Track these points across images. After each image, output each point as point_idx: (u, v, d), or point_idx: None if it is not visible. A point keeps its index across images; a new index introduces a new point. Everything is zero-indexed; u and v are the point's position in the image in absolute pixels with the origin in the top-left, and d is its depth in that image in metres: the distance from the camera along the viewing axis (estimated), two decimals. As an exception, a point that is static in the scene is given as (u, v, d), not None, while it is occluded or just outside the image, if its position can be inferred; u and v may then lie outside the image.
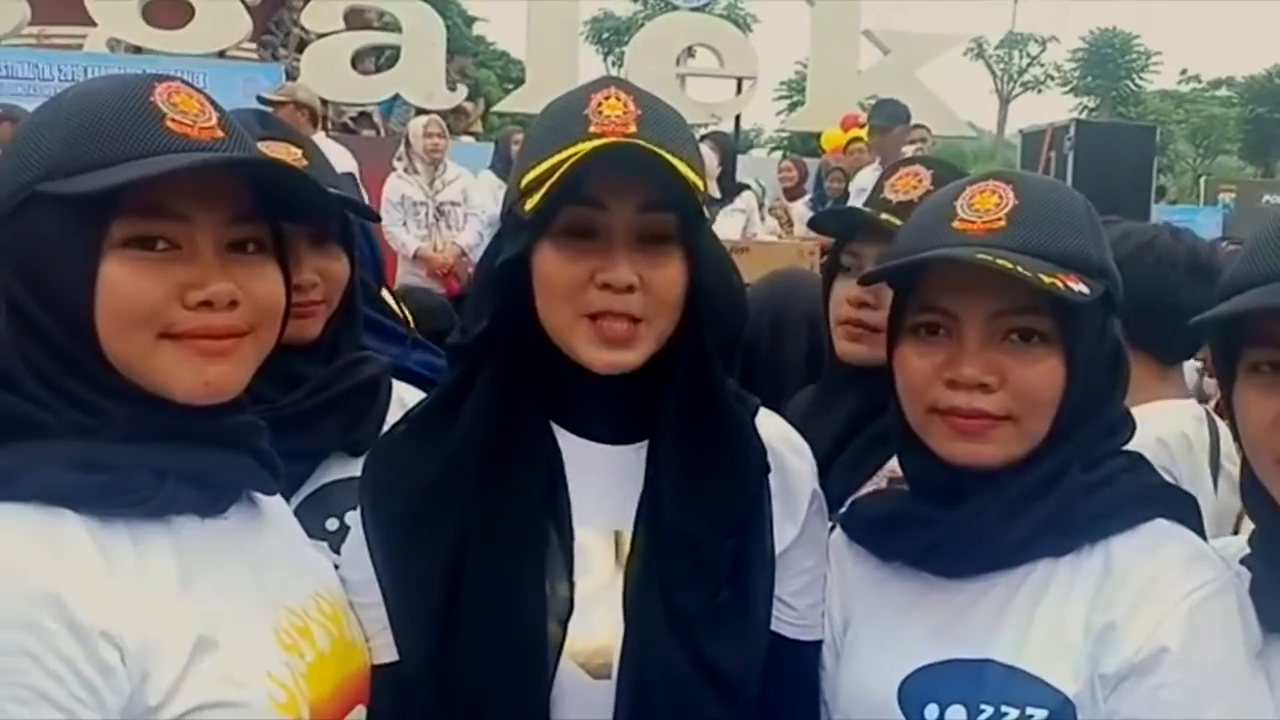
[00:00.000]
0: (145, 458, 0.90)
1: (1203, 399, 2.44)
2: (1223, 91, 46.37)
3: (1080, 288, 1.01)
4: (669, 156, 1.00)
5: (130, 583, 0.85)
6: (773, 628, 1.14)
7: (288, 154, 1.39)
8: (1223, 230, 11.31)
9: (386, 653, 1.08)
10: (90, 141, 0.89)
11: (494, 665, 1.02)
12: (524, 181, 1.04)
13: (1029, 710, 0.98)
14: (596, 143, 1.00)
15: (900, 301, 1.11)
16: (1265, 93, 41.67)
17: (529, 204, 1.01)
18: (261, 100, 5.35)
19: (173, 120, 0.91)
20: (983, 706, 0.99)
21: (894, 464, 1.45)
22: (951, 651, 1.05)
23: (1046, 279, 0.99)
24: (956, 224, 1.06)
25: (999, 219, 1.04)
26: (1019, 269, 0.98)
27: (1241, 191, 14.79)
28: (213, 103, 0.96)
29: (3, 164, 0.93)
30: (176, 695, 0.84)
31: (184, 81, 0.96)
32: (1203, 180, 19.08)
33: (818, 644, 1.19)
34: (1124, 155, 9.54)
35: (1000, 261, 0.99)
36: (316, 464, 1.38)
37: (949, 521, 1.07)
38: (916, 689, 1.05)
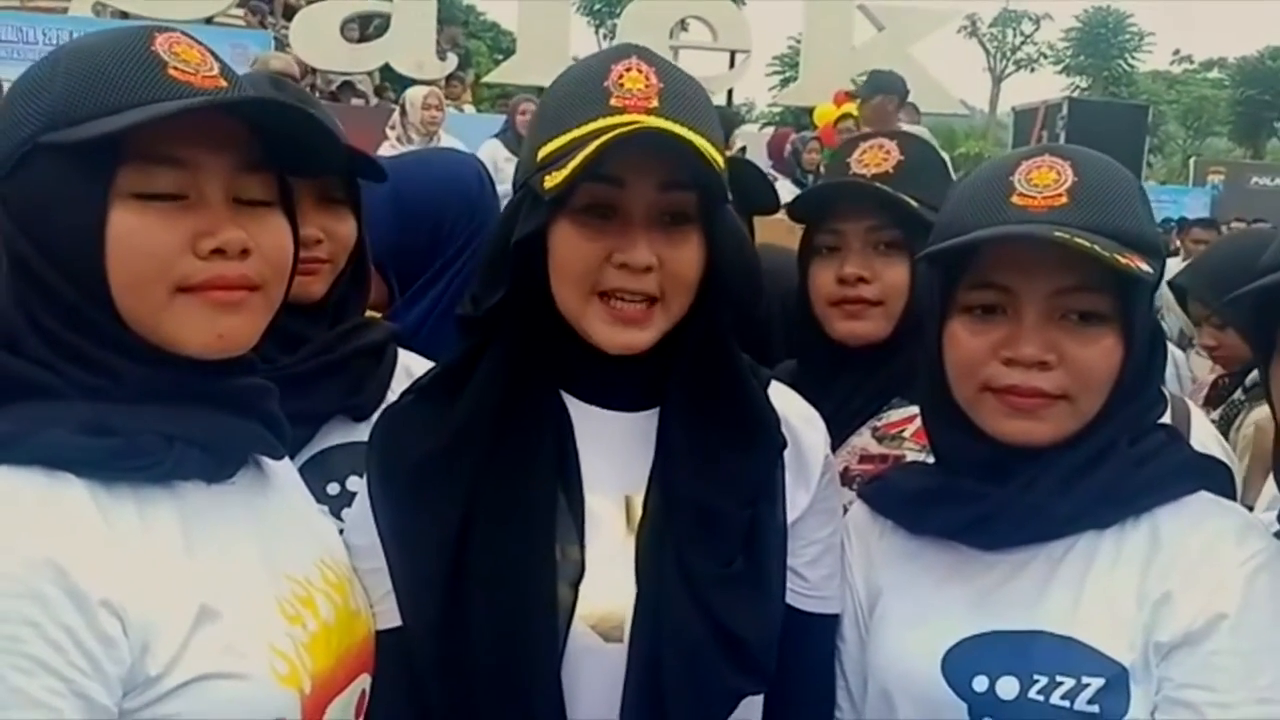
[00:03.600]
0: (153, 421, 0.88)
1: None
2: (1214, 73, 46.46)
3: (1145, 267, 1.00)
4: (692, 135, 0.98)
5: (133, 550, 0.83)
6: (787, 600, 1.12)
7: None
8: (1210, 211, 11.37)
9: (391, 618, 1.07)
10: (92, 90, 0.87)
11: (504, 627, 1.01)
12: (540, 154, 1.02)
13: (1085, 679, 0.97)
14: (617, 120, 0.98)
15: (948, 278, 1.08)
16: (1257, 75, 41.71)
17: (548, 182, 0.98)
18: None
19: (175, 69, 0.89)
20: (1036, 677, 0.99)
21: (863, 439, 1.45)
22: (995, 623, 1.04)
23: (1122, 259, 0.98)
24: (1016, 199, 1.03)
25: (1060, 195, 1.02)
26: (1097, 248, 0.97)
27: (1230, 173, 14.87)
28: (213, 54, 0.94)
29: (2, 118, 0.90)
30: (177, 666, 0.82)
31: (183, 32, 0.94)
32: (1192, 161, 19.13)
33: (833, 617, 1.18)
34: (1116, 134, 9.59)
35: (1078, 240, 0.97)
36: (317, 428, 1.35)
37: (998, 495, 1.06)
38: (962, 661, 1.04)
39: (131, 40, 0.90)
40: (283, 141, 0.94)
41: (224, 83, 0.92)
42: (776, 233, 2.04)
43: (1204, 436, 1.65)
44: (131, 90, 0.87)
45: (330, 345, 1.37)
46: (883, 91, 6.20)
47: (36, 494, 0.81)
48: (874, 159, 1.49)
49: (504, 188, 1.81)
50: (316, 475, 1.28)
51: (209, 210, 0.89)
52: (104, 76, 0.87)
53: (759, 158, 8.44)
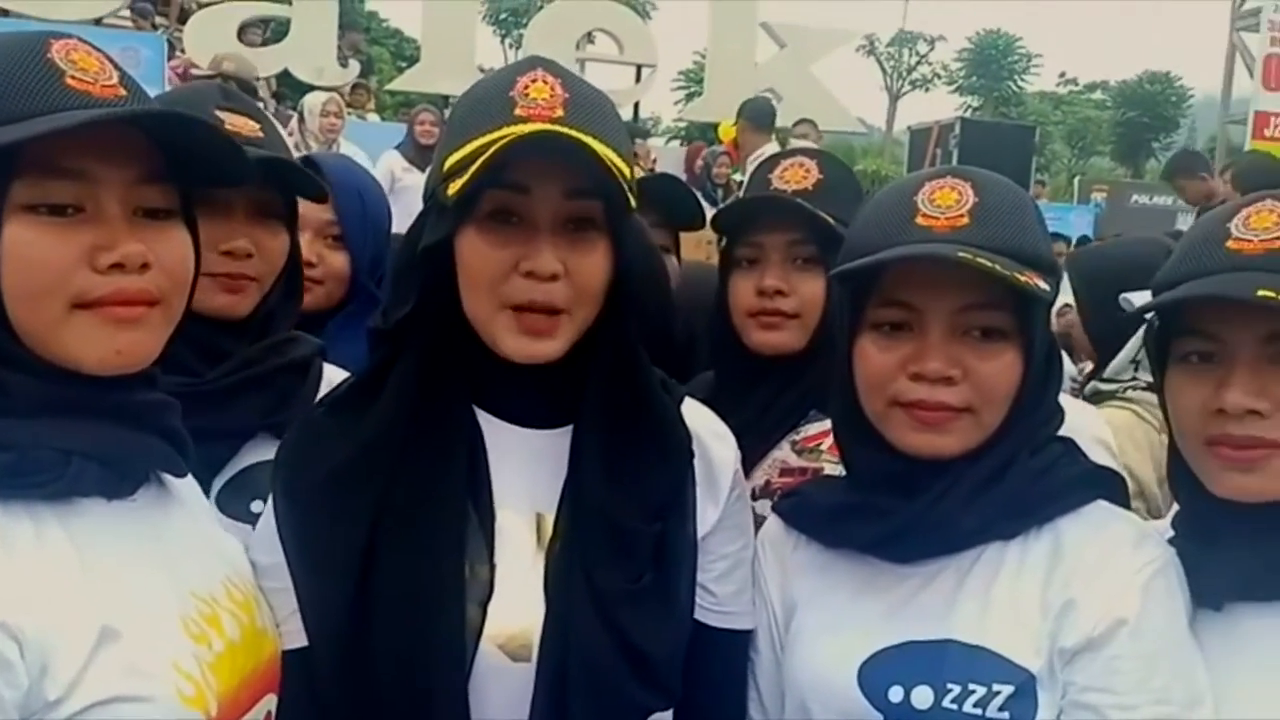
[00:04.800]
0: (49, 436, 0.86)
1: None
2: (1098, 95, 48.64)
3: (1042, 285, 1.04)
4: (594, 142, 0.99)
5: (30, 570, 0.81)
6: (695, 615, 1.13)
7: (245, 126, 1.36)
8: (1094, 228, 11.89)
9: (297, 638, 1.05)
10: None
11: (410, 647, 0.99)
12: (447, 165, 1.02)
13: (995, 687, 1.00)
14: (521, 129, 0.98)
15: (857, 296, 1.11)
16: (1136, 97, 43.83)
17: (452, 188, 0.98)
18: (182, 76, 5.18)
19: (73, 78, 0.87)
20: (949, 686, 1.01)
21: (783, 452, 1.48)
22: (908, 634, 1.07)
23: (1021, 278, 1.01)
24: (920, 220, 1.07)
25: (961, 215, 1.06)
26: (998, 268, 1.00)
27: (1112, 191, 15.53)
28: (112, 61, 0.92)
29: None
30: (78, 689, 0.80)
31: (80, 39, 0.91)
32: (1076, 180, 19.95)
33: (743, 633, 1.19)
34: (1006, 153, 9.95)
35: (980, 260, 1.00)
36: (240, 444, 1.32)
37: (908, 510, 1.08)
38: (877, 672, 1.06)
39: (27, 47, 0.87)
40: (185, 153, 0.92)
41: (123, 91, 0.90)
42: (686, 245, 2.07)
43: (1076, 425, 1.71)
44: (28, 100, 0.85)
45: (254, 360, 1.34)
46: (740, 115, 6.78)
47: None
48: (795, 176, 1.53)
49: (403, 198, 1.82)
50: (240, 493, 1.26)
51: (107, 223, 0.87)
52: None
53: (674, 172, 8.49)
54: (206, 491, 1.26)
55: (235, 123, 1.35)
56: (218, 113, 1.34)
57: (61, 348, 0.87)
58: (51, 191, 0.85)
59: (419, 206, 1.09)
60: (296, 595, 1.05)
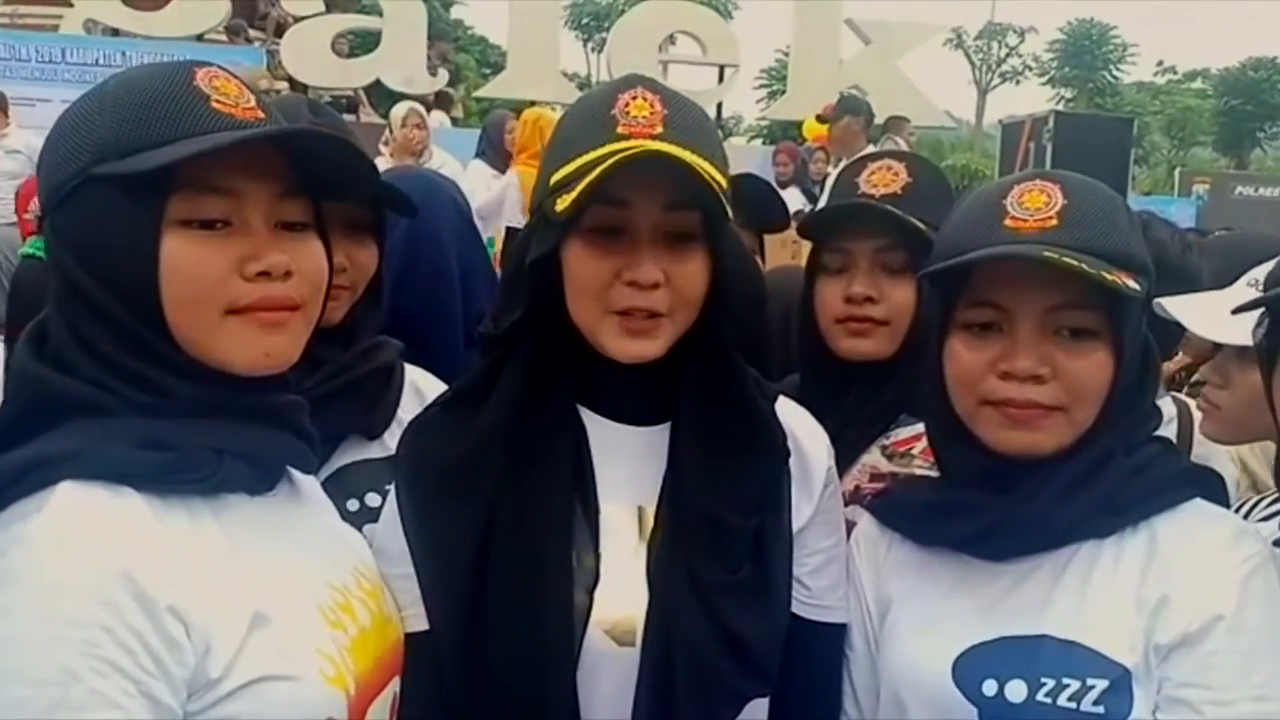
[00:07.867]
0: (203, 436, 0.92)
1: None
2: (1198, 84, 46.79)
3: (1133, 285, 1.05)
4: (694, 158, 1.03)
5: (191, 559, 0.87)
6: (791, 608, 1.16)
7: None
8: (1196, 221, 11.47)
9: (419, 621, 1.11)
10: (141, 123, 0.91)
11: (523, 631, 1.05)
12: (553, 180, 1.07)
13: (1090, 681, 1.01)
14: (623, 146, 1.02)
15: (947, 297, 1.13)
16: (1239, 85, 42.03)
17: (559, 205, 1.03)
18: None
19: (217, 102, 0.94)
20: (1043, 680, 1.03)
21: (873, 457, 1.48)
22: (1002, 629, 1.08)
23: (1110, 277, 1.02)
24: (1008, 222, 1.08)
25: (1050, 217, 1.07)
26: (1084, 267, 1.01)
27: (1215, 183, 14.97)
28: (248, 86, 0.99)
29: (53, 151, 0.95)
30: (235, 668, 0.86)
31: (221, 67, 0.98)
32: (1177, 171, 19.27)
33: (837, 627, 1.21)
34: (1101, 146, 9.64)
35: (1066, 260, 1.01)
36: (335, 446, 1.40)
37: (1001, 507, 1.10)
38: (971, 666, 1.07)
39: (175, 75, 0.94)
40: (318, 167, 0.98)
41: (261, 114, 0.97)
42: (771, 245, 2.08)
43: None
44: (179, 123, 0.91)
45: (346, 367, 1.41)
46: (853, 113, 6.45)
47: (102, 506, 0.85)
48: (882, 180, 1.51)
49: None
50: (336, 492, 1.31)
51: (253, 235, 0.94)
52: (152, 110, 0.92)
53: (755, 171, 8.46)
54: None
55: None
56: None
57: (216, 351, 0.93)
58: (204, 207, 0.92)
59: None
60: (419, 581, 1.11)
